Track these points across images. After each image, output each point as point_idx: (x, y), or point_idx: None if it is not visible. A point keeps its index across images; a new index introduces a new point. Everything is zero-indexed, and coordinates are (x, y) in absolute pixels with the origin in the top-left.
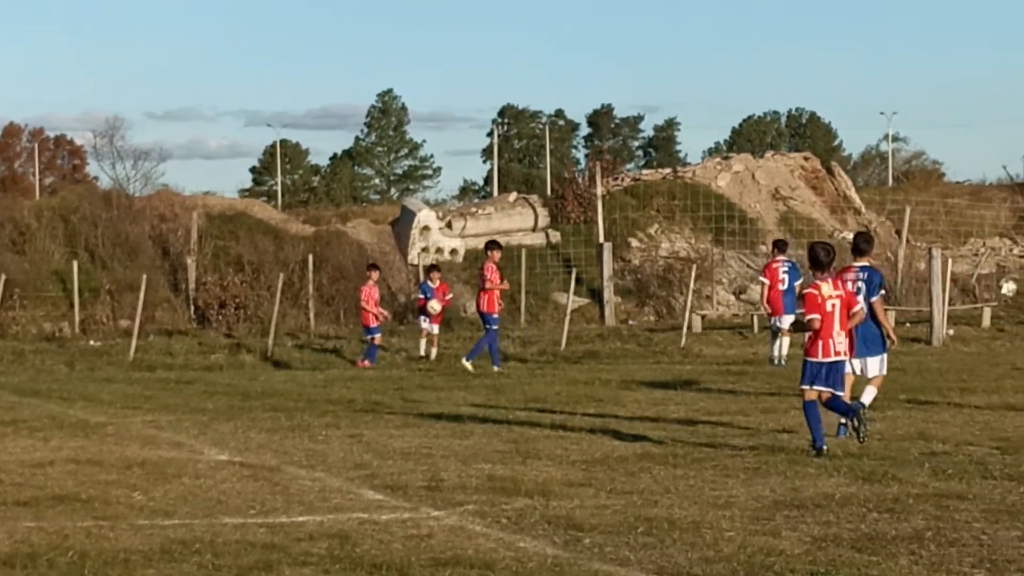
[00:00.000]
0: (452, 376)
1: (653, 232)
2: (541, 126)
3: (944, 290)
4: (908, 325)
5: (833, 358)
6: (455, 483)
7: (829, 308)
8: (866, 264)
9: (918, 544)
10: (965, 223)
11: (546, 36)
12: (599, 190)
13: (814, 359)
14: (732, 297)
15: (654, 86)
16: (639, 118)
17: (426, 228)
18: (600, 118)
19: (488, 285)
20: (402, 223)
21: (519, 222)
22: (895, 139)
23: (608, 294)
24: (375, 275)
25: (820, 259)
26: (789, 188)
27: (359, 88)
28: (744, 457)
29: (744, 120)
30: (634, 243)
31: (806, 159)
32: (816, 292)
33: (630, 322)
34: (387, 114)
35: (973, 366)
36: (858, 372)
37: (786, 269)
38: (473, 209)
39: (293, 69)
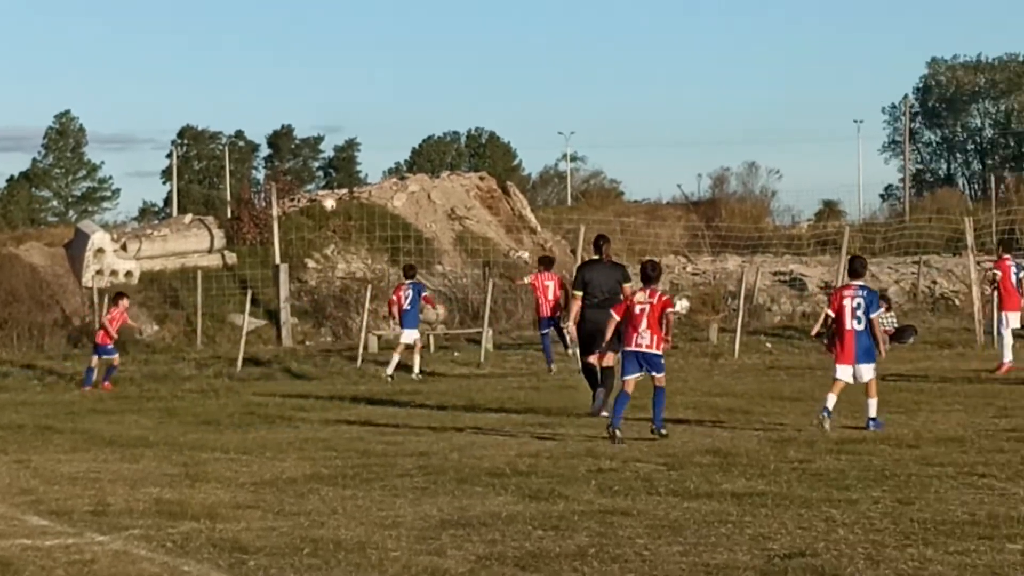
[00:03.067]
0: (125, 399)
1: (329, 253)
2: (221, 147)
3: None
4: None
5: (635, 348)
6: (122, 507)
7: (637, 311)
8: (863, 284)
9: (581, 561)
10: (640, 241)
11: (227, 56)
12: (275, 211)
13: (625, 348)
14: None
15: (335, 107)
16: (319, 139)
17: (100, 250)
18: (280, 139)
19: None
20: (76, 245)
21: (195, 243)
22: (573, 159)
23: (285, 315)
24: (124, 302)
25: (648, 274)
26: (465, 208)
27: (36, 110)
28: (413, 477)
29: (424, 140)
30: (311, 264)
31: (482, 179)
32: (631, 296)
33: (307, 343)
34: (65, 136)
35: (642, 383)
36: (851, 379)
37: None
38: (148, 231)
39: None
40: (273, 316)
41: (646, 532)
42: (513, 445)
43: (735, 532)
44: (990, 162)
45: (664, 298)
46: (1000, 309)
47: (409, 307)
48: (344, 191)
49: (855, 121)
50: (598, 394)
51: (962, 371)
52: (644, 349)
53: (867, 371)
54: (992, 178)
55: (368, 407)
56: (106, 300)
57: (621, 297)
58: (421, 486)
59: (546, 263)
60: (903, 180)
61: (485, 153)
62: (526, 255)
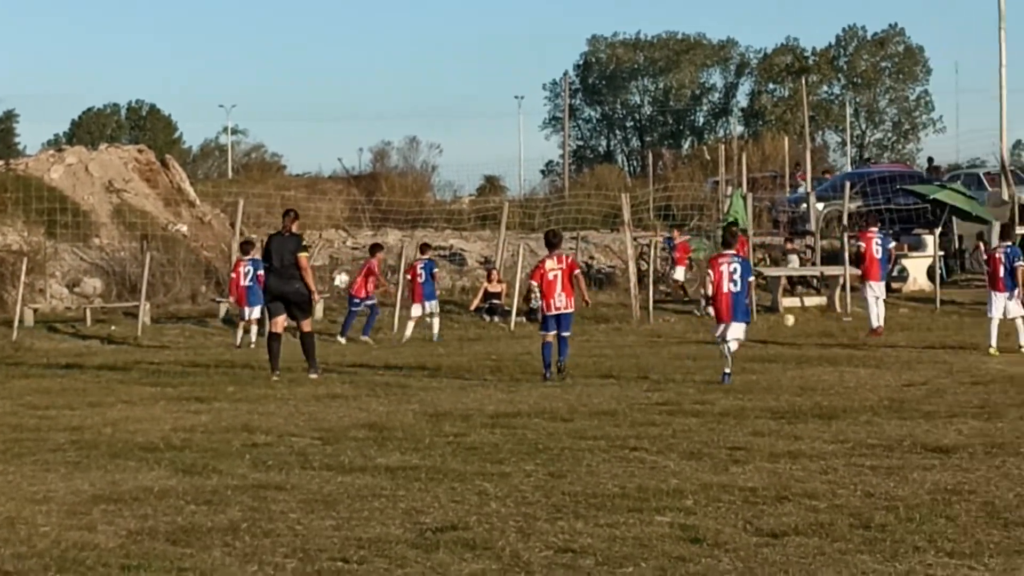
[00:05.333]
0: None
1: None
2: None
3: None
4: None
5: (554, 311)
6: None
7: (551, 277)
8: (735, 253)
9: (233, 535)
10: (301, 215)
11: None
12: None
13: (545, 313)
14: (66, 290)
15: None
16: None
17: None
18: None
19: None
20: None
21: None
22: (235, 132)
23: None
24: None
25: (551, 241)
26: (123, 181)
27: None
28: (66, 451)
29: (84, 112)
30: None
31: (140, 151)
32: (542, 266)
33: None
34: None
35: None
36: (719, 335)
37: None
38: None
39: None
40: None
41: (299, 506)
42: (168, 419)
43: (388, 506)
44: (648, 139)
45: (571, 260)
46: (863, 279)
47: (251, 283)
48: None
49: (516, 97)
50: (276, 362)
51: (618, 345)
52: (562, 311)
53: (738, 329)
54: (650, 154)
55: (22, 381)
56: None
57: (298, 266)
58: (73, 461)
59: (378, 248)
60: (563, 156)
61: (146, 126)
62: (184, 228)
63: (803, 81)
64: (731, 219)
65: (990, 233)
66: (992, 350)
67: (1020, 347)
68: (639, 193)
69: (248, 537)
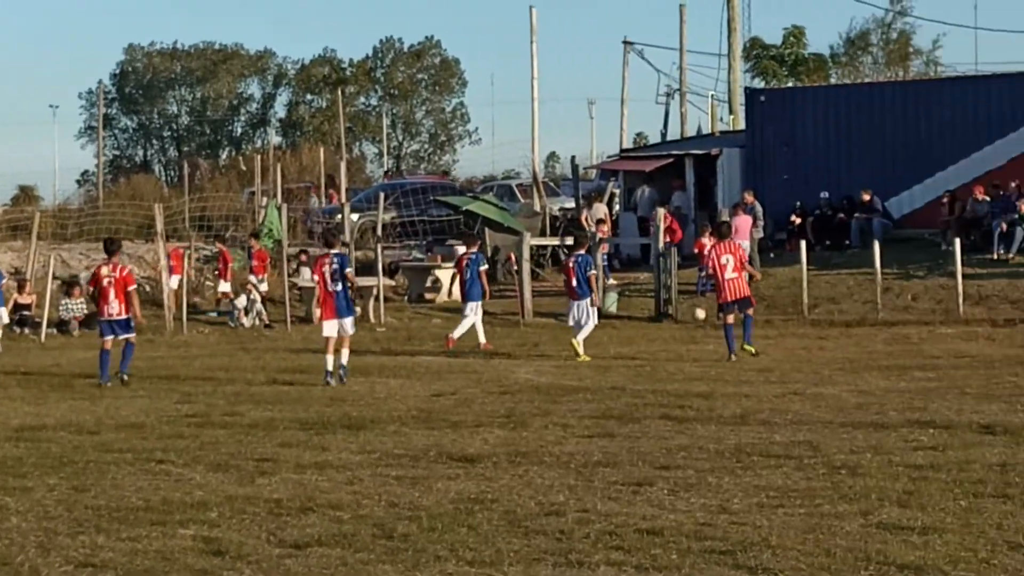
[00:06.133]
0: None
1: None
2: None
3: None
4: None
5: (107, 317)
6: None
7: (105, 284)
8: (338, 252)
9: None
10: None
11: None
12: None
13: (100, 318)
14: None
15: None
16: None
17: None
18: None
19: None
20: None
21: None
22: None
23: None
24: None
25: (109, 248)
26: None
27: None
28: None
29: None
30: None
31: None
32: (99, 271)
33: None
34: None
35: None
36: (335, 332)
37: None
38: None
39: None
40: None
41: None
42: None
43: None
44: (186, 148)
45: (127, 274)
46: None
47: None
48: None
49: (51, 106)
50: None
51: (150, 357)
52: (115, 317)
53: (349, 324)
54: (186, 164)
55: None
56: None
57: None
58: None
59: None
60: (98, 166)
61: None
62: None
63: (340, 92)
64: (266, 229)
65: (521, 245)
66: (582, 356)
67: (577, 347)
68: (175, 203)
69: None
